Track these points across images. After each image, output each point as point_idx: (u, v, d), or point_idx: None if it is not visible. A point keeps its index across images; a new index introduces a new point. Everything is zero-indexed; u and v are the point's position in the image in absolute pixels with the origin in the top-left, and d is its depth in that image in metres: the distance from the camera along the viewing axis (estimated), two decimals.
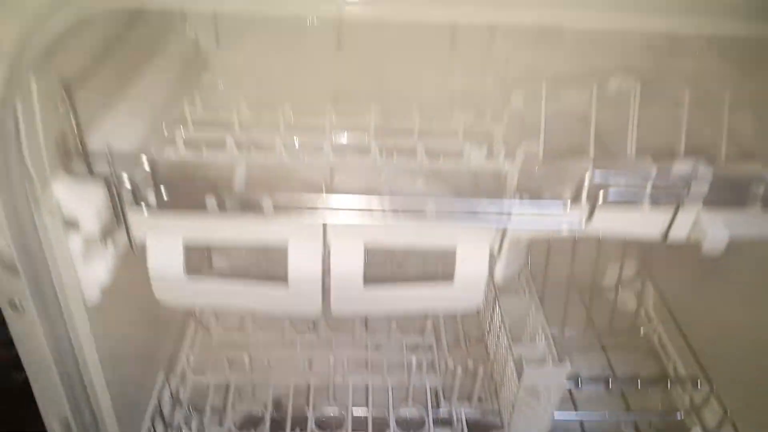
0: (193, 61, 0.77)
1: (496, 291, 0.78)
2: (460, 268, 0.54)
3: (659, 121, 0.57)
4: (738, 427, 0.72)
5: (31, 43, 0.40)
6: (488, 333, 0.83)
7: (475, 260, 0.54)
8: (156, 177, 0.48)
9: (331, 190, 0.54)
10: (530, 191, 0.51)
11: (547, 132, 0.54)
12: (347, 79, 0.73)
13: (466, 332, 0.88)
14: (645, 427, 0.79)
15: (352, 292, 0.54)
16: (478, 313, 0.90)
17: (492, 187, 0.55)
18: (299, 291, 0.54)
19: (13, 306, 0.49)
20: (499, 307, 0.75)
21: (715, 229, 0.52)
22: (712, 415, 0.76)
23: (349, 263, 0.53)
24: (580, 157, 0.54)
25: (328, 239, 0.52)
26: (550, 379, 0.65)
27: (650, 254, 0.93)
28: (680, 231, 0.53)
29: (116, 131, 0.52)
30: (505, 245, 0.53)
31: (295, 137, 0.57)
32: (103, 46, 0.55)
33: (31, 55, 0.40)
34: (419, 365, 0.79)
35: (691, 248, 0.54)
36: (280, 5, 0.46)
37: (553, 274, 0.88)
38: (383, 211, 0.51)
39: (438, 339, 0.86)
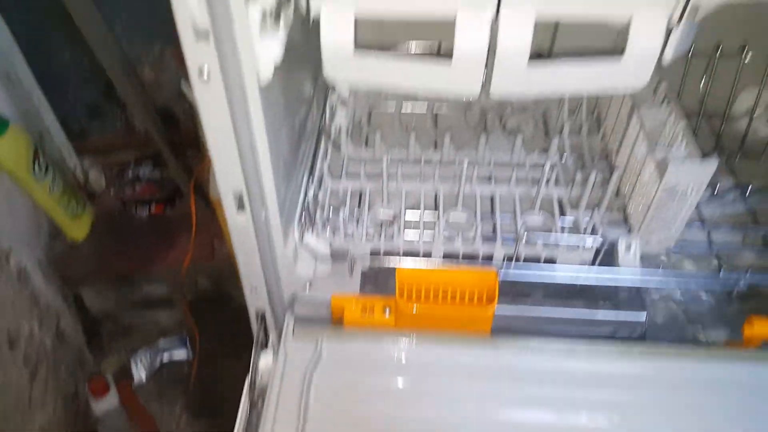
0: None
1: (633, 101, 0.77)
2: (633, 41, 0.52)
3: None
4: None
5: None
6: (617, 149, 0.82)
7: (650, 32, 0.52)
8: None
9: None
10: None
11: None
12: None
13: (591, 151, 0.88)
14: None
15: (515, 69, 0.55)
16: (603, 136, 0.90)
17: None
18: (462, 66, 0.55)
19: (201, 74, 0.53)
20: (638, 114, 0.74)
21: None
22: None
23: (517, 36, 0.53)
24: None
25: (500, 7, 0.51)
26: (695, 175, 0.65)
27: None
28: None
29: None
30: (685, 14, 0.51)
31: None
32: None
33: None
34: (546, 180, 0.80)
35: None
36: None
37: (684, 101, 0.84)
38: None
39: (562, 157, 0.86)
